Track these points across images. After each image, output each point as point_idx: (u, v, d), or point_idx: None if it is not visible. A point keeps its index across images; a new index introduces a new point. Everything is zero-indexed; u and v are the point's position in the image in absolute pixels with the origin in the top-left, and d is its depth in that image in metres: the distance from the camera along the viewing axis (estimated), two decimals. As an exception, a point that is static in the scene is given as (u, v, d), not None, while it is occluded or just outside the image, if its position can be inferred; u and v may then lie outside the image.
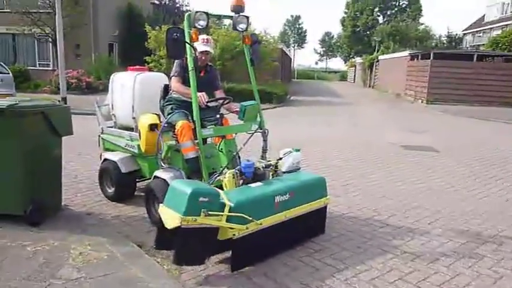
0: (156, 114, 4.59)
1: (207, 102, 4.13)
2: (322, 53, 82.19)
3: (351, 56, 55.78)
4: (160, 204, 3.30)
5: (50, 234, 3.87)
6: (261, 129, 4.35)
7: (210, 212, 3.08)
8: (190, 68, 3.90)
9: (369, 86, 37.43)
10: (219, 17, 4.17)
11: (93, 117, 6.13)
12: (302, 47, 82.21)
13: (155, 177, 4.36)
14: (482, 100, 20.42)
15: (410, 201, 5.37)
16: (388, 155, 8.24)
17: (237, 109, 4.33)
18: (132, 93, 4.98)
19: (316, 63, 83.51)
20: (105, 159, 5.15)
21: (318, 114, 16.04)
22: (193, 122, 3.99)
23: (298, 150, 4.21)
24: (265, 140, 4.37)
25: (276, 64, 21.86)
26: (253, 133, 4.27)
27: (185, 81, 4.36)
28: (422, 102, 21.38)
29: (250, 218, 3.28)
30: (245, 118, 4.20)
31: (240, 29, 4.24)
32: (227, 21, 21.98)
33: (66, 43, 18.19)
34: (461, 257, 3.78)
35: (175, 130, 4.23)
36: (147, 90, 4.97)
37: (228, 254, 3.56)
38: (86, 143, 8.15)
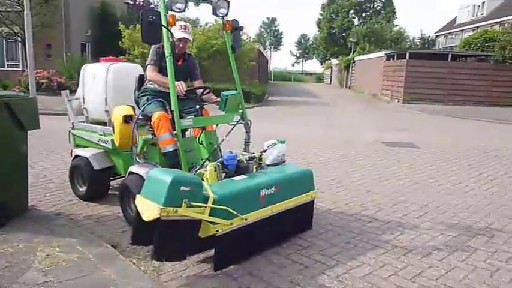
0: (130, 106, 4.30)
1: (186, 91, 3.86)
2: (298, 55, 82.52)
3: (327, 58, 56.13)
4: (137, 195, 3.01)
5: (14, 236, 3.53)
6: (243, 120, 4.11)
7: (192, 203, 2.82)
8: (167, 54, 3.63)
9: (345, 87, 37.71)
10: (198, 2, 3.92)
11: (64, 118, 5.73)
12: (278, 49, 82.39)
13: (130, 173, 4.06)
14: (457, 99, 20.75)
15: (397, 196, 5.23)
16: (370, 152, 8.12)
17: (218, 100, 4.09)
18: (104, 85, 4.67)
19: (293, 65, 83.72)
20: (76, 156, 4.81)
21: (296, 113, 15.92)
22: (171, 112, 3.71)
23: (283, 142, 3.99)
24: (247, 132, 4.13)
25: (253, 64, 21.67)
26: (235, 124, 4.02)
27: (162, 70, 4.09)
28: (398, 101, 21.58)
29: (235, 213, 3.04)
30: (226, 108, 3.95)
31: (220, 14, 4.01)
32: (203, 21, 21.64)
33: (37, 43, 17.51)
34: (454, 251, 3.63)
35: (152, 122, 3.94)
36: (120, 81, 4.68)
37: (211, 252, 3.32)
38: (56, 142, 7.79)
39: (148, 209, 2.82)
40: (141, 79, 4.42)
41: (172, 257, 3.03)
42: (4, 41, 22.41)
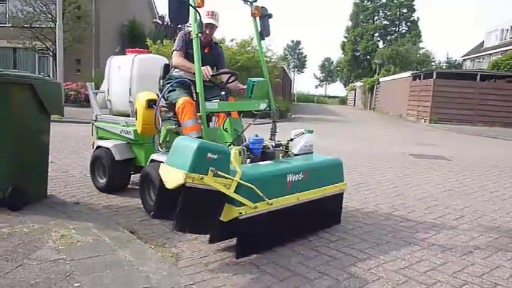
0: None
1: (212, 76, 3.74)
2: (321, 78, 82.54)
3: (350, 81, 55.87)
4: (161, 164, 2.86)
5: (30, 218, 3.42)
6: (270, 109, 3.95)
7: (219, 172, 2.64)
8: (194, 35, 3.53)
9: (370, 109, 37.24)
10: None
11: (89, 125, 5.58)
12: (302, 72, 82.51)
13: (152, 160, 3.94)
14: (485, 120, 20.12)
15: (429, 200, 4.92)
16: (399, 162, 7.81)
17: (244, 87, 3.95)
18: (129, 75, 4.64)
19: (316, 87, 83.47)
20: (98, 147, 4.72)
21: (321, 129, 15.64)
22: (197, 96, 3.57)
23: (311, 132, 3.80)
24: (274, 121, 3.95)
25: (278, 81, 21.66)
26: (261, 111, 3.87)
27: (188, 57, 4.00)
28: (425, 121, 21.05)
29: (261, 194, 2.85)
30: (253, 95, 3.80)
31: (250, 0, 3.90)
32: (229, 38, 21.76)
33: (67, 58, 17.95)
34: (497, 251, 3.32)
35: (176, 108, 3.82)
36: (146, 71, 4.63)
37: (232, 242, 3.13)
38: (80, 144, 7.85)
39: (172, 176, 2.67)
40: (167, 68, 4.34)
41: (196, 229, 2.85)
42: (37, 55, 23.14)
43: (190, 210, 2.70)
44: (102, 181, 4.65)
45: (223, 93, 3.85)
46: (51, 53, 21.23)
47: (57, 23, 14.22)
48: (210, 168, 2.62)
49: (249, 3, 3.96)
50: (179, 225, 2.74)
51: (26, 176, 3.78)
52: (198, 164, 2.59)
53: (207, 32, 4.05)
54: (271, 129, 3.95)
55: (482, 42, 42.91)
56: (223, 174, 2.66)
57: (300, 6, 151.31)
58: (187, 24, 3.79)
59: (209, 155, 2.64)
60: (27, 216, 3.47)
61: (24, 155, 3.78)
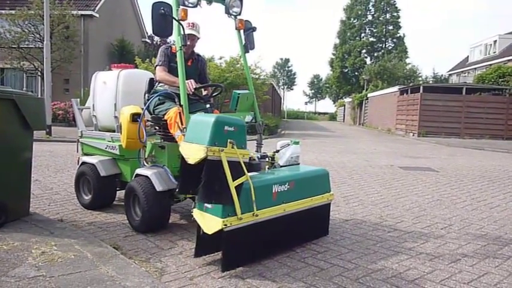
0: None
1: (195, 88, 3.73)
2: (311, 95, 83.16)
3: (339, 97, 56.36)
4: (181, 142, 3.03)
5: (11, 236, 3.33)
6: (255, 121, 3.94)
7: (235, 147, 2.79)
8: (178, 48, 3.53)
9: (359, 124, 37.53)
10: (210, 0, 3.85)
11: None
12: (291, 89, 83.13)
13: (136, 175, 3.89)
14: (473, 133, 20.39)
15: (417, 210, 4.92)
16: (387, 174, 7.83)
17: (228, 100, 3.95)
18: (115, 90, 4.60)
19: (306, 104, 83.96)
20: (83, 163, 4.66)
21: (311, 144, 15.70)
22: (181, 107, 3.56)
23: (297, 143, 3.79)
24: (260, 133, 3.95)
25: (267, 97, 21.77)
26: (247, 124, 3.85)
27: (171, 71, 4.00)
28: (413, 135, 21.26)
29: (254, 199, 2.87)
30: (238, 108, 3.80)
31: (234, 13, 3.93)
32: (217, 55, 21.91)
33: (56, 77, 17.81)
34: (485, 258, 3.31)
35: (168, 119, 3.77)
36: (131, 86, 4.60)
37: (218, 255, 3.08)
38: (66, 162, 7.75)
39: (193, 151, 2.77)
40: (152, 82, 4.33)
41: (220, 199, 2.82)
42: (25, 75, 23.04)
43: (214, 181, 2.76)
44: (87, 198, 4.58)
45: (208, 106, 3.84)
46: (39, 73, 21.15)
47: (45, 42, 14.20)
48: (229, 140, 2.74)
49: (233, 16, 3.98)
50: (205, 196, 2.79)
51: (7, 193, 3.69)
52: (217, 137, 2.72)
53: (189, 43, 4.04)
54: (257, 141, 3.94)
55: (467, 57, 43.78)
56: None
57: (288, 24, 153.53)
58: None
59: (226, 127, 2.78)
60: (8, 233, 3.38)
61: (5, 172, 3.70)
